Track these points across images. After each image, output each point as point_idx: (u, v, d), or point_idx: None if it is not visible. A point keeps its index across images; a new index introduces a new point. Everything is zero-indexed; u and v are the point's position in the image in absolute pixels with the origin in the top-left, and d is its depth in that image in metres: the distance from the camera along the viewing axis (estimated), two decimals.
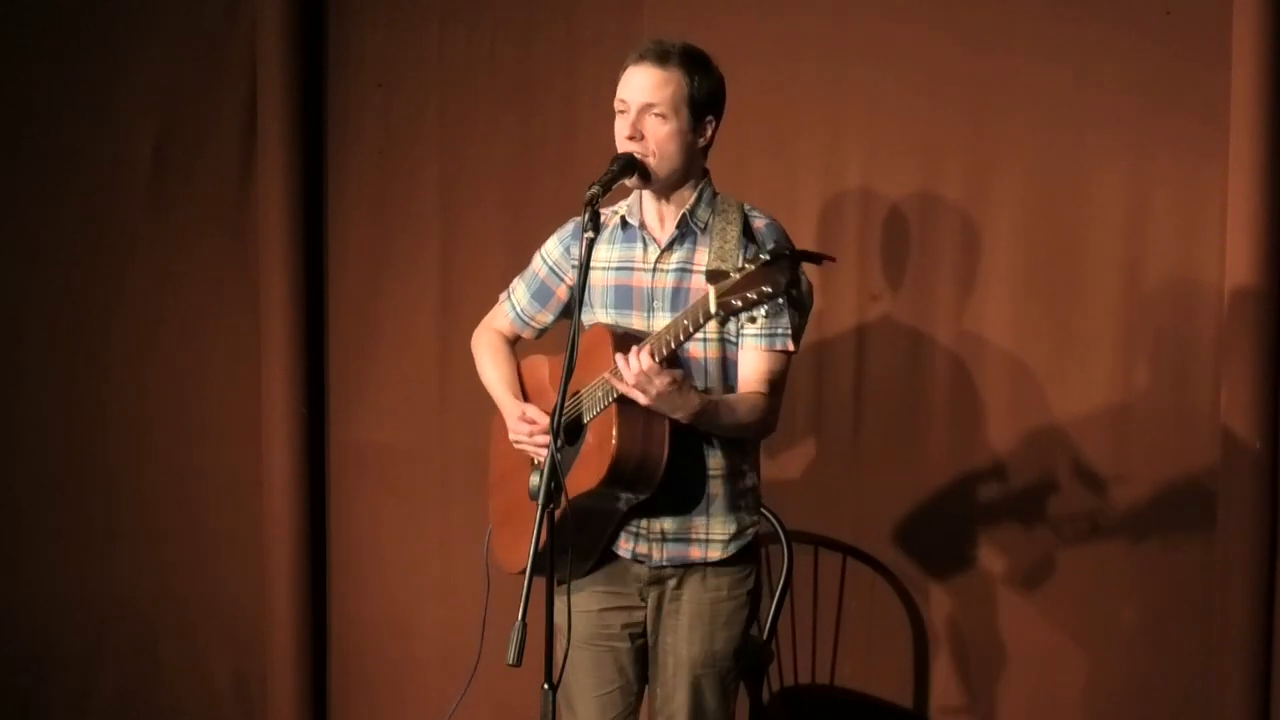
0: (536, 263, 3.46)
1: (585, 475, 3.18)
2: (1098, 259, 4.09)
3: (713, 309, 2.90)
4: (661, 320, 3.24)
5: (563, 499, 2.95)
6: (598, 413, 3.18)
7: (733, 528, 3.30)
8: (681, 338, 3.02)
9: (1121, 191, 4.05)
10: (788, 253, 2.84)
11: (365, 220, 4.64)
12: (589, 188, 3.10)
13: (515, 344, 3.54)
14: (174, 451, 4.66)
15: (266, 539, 4.66)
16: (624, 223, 3.33)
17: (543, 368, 3.47)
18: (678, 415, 3.12)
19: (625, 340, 3.17)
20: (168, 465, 4.65)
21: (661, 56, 3.23)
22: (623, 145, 3.21)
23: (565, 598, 3.15)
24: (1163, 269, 4.04)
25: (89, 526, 4.61)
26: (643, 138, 3.21)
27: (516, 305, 3.49)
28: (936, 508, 4.25)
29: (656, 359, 3.04)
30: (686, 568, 3.29)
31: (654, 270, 3.28)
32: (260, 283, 4.60)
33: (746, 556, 3.34)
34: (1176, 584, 4.06)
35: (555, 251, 3.42)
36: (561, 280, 3.42)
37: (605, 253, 3.32)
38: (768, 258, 2.84)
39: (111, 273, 4.59)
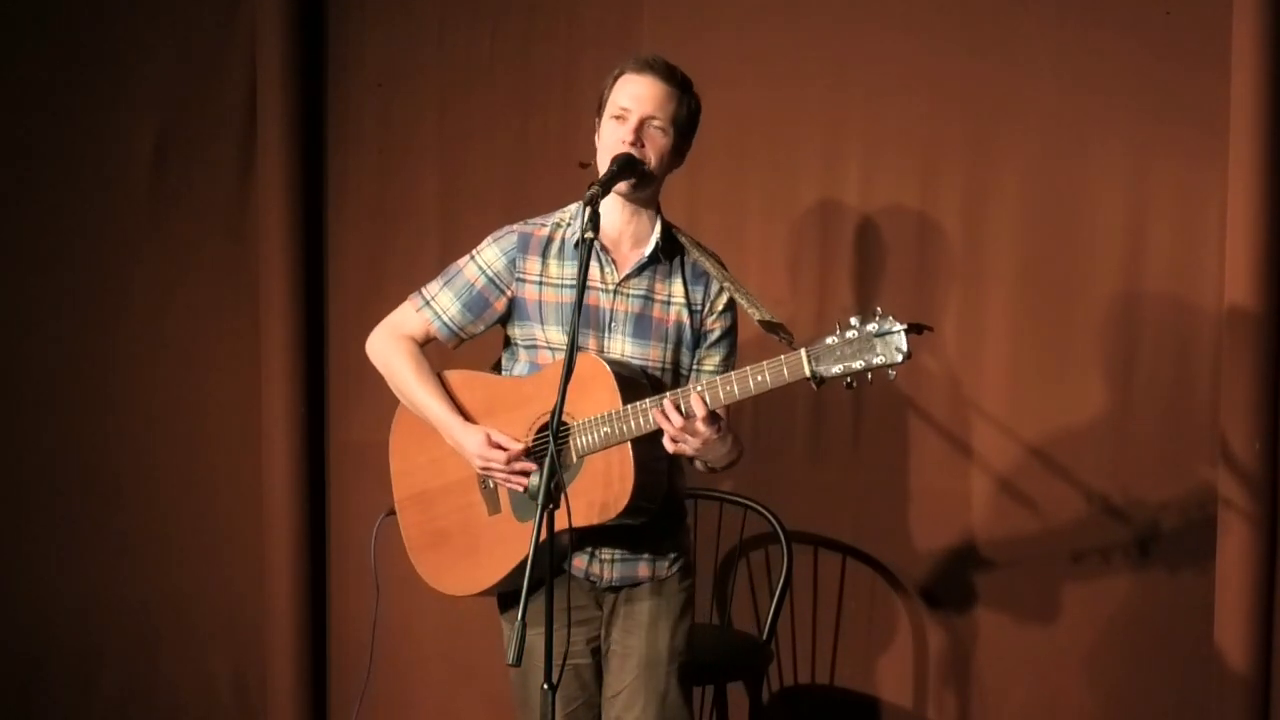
0: (471, 271, 3.36)
1: (586, 507, 3.18)
2: (1097, 264, 4.09)
3: (807, 372, 2.91)
4: (619, 343, 3.27)
5: (563, 500, 2.95)
6: (598, 448, 3.16)
7: (676, 549, 3.36)
8: (752, 392, 3.01)
9: (1121, 196, 4.05)
10: (905, 327, 2.84)
11: (365, 220, 4.64)
12: (589, 187, 3.09)
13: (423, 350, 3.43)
14: (174, 451, 4.65)
15: (266, 539, 4.66)
16: (576, 240, 3.28)
17: (477, 386, 3.37)
18: (718, 463, 3.18)
19: (626, 380, 3.16)
20: (167, 465, 4.65)
21: (669, 73, 3.23)
22: (619, 149, 3.19)
23: (564, 602, 3.17)
24: (1162, 273, 4.04)
25: (89, 526, 4.60)
26: (643, 146, 3.21)
27: (443, 314, 3.37)
28: (936, 508, 4.25)
29: (710, 408, 3.05)
30: (634, 585, 3.34)
31: (615, 293, 3.28)
32: (260, 283, 4.60)
33: (687, 568, 3.40)
34: (1176, 584, 4.06)
35: (498, 262, 3.33)
36: (502, 293, 3.33)
37: (556, 269, 3.29)
38: (876, 327, 2.84)
39: (112, 273, 4.58)
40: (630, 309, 3.28)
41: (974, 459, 4.21)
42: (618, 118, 3.22)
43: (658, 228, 3.29)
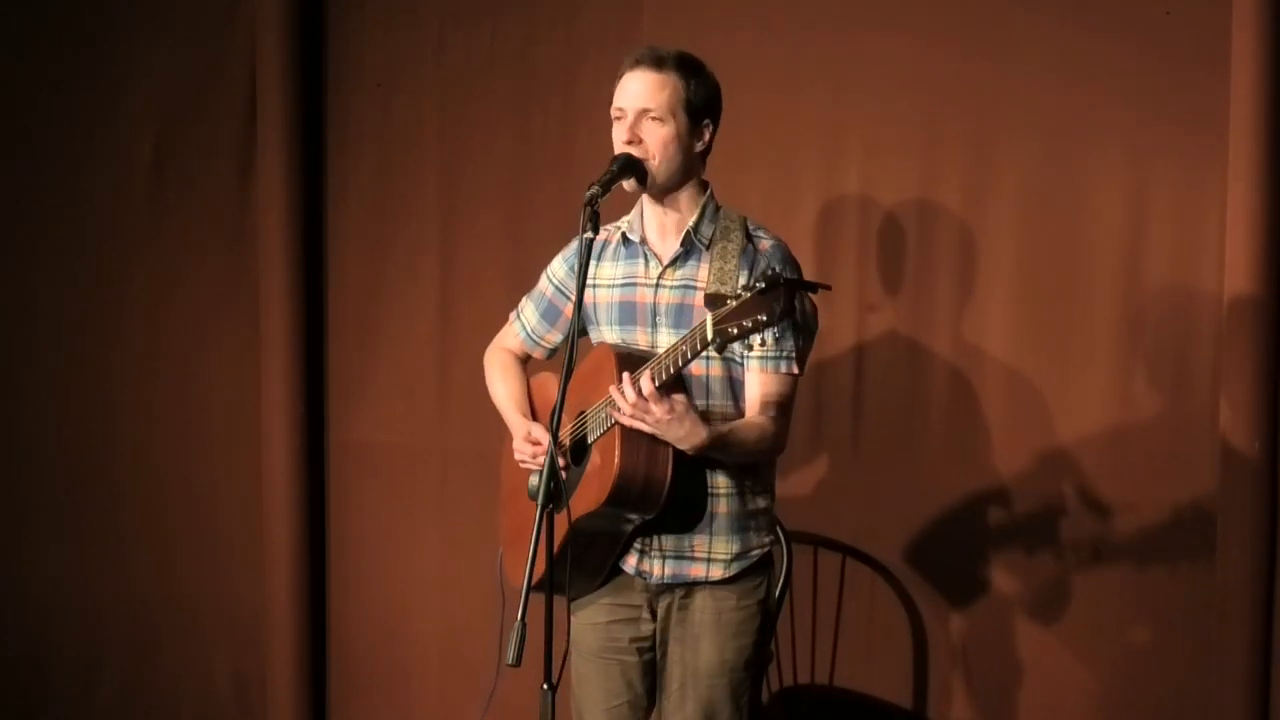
0: (543, 282, 3.46)
1: (590, 495, 3.18)
2: (1096, 266, 4.08)
3: (709, 336, 2.91)
4: (665, 336, 3.25)
5: (564, 502, 2.95)
6: (602, 433, 3.17)
7: (736, 548, 3.28)
8: (680, 364, 3.01)
9: (1120, 198, 4.05)
10: (782, 281, 2.83)
11: (365, 221, 4.64)
12: (589, 187, 3.10)
13: (526, 363, 3.53)
14: (174, 452, 4.66)
15: (266, 539, 4.66)
16: (625, 239, 3.32)
17: (552, 386, 3.43)
18: (681, 445, 3.10)
19: (628, 361, 3.16)
20: (168, 465, 4.66)
21: (657, 61, 3.22)
22: (620, 150, 3.20)
23: (565, 602, 3.16)
24: (1162, 275, 4.03)
25: (90, 527, 4.61)
26: (641, 142, 3.20)
27: (526, 325, 3.49)
28: (936, 509, 4.25)
29: (656, 384, 3.03)
30: (691, 585, 3.29)
31: (657, 286, 3.28)
32: (260, 283, 4.60)
33: (755, 571, 3.32)
34: (1175, 586, 4.05)
35: (560, 270, 3.43)
36: (568, 298, 3.41)
37: (609, 270, 3.32)
38: (762, 285, 2.83)
39: (112, 273, 4.59)
40: (671, 300, 3.27)
41: (974, 459, 4.20)
42: (616, 119, 3.24)
43: (694, 215, 3.28)
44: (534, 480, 3.30)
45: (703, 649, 3.27)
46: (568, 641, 3.13)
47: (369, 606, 4.71)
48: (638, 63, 3.23)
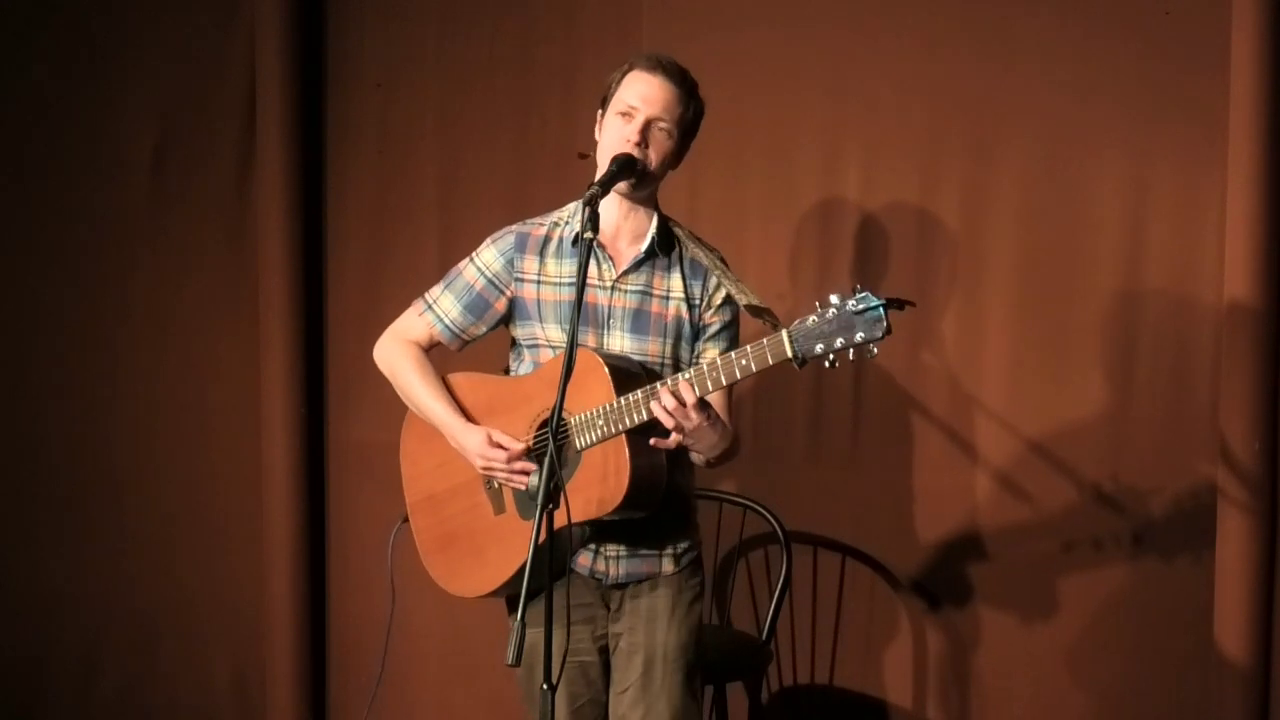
0: (470, 273, 3.38)
1: (584, 502, 3.17)
2: (1097, 264, 4.09)
3: (789, 353, 2.90)
4: (619, 339, 3.27)
5: (562, 499, 2.94)
6: (596, 441, 3.16)
7: (683, 545, 3.35)
8: (738, 377, 3.01)
9: (1120, 197, 4.05)
10: (884, 302, 2.82)
11: (365, 220, 4.64)
12: (588, 187, 3.09)
13: (428, 355, 3.45)
14: (174, 451, 4.66)
15: (266, 539, 4.66)
16: (574, 238, 3.28)
17: (480, 387, 3.39)
18: (713, 451, 3.16)
19: (621, 373, 3.16)
20: (168, 465, 4.65)
21: (679, 75, 3.23)
22: (621, 148, 3.19)
23: (563, 602, 3.16)
24: (1161, 275, 4.04)
25: (89, 526, 4.61)
26: (646, 147, 3.21)
27: (445, 317, 3.39)
28: (936, 509, 4.25)
29: (699, 394, 3.04)
30: (643, 580, 3.33)
31: (612, 289, 3.28)
32: (260, 283, 4.60)
33: (694, 564, 3.39)
34: (1176, 584, 4.06)
35: (496, 263, 3.35)
36: (501, 293, 3.35)
37: (554, 267, 3.30)
38: (856, 305, 2.83)
39: (112, 273, 4.58)
40: (628, 305, 3.28)
41: (974, 459, 4.21)
42: (624, 114, 3.22)
43: (654, 223, 3.29)
44: (533, 480, 3.29)
45: (662, 631, 3.31)
46: (566, 642, 3.13)
47: (369, 606, 4.71)
48: (661, 69, 3.22)
